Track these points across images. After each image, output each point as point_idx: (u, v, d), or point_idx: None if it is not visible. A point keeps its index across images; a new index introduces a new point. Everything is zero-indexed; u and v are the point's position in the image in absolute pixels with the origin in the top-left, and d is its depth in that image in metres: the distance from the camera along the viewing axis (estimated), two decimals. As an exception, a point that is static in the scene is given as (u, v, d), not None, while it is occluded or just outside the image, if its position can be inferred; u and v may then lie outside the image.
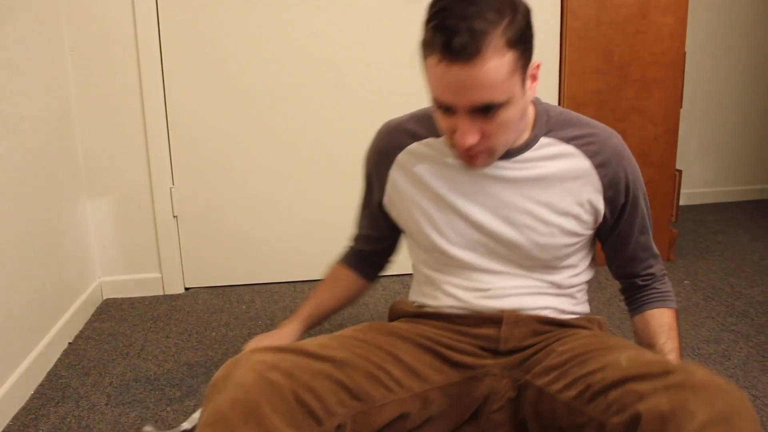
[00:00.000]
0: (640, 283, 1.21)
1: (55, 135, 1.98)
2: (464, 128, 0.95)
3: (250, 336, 1.93)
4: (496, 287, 1.11)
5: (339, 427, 0.95)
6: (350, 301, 1.37)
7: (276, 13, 2.18)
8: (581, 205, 1.08)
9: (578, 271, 1.16)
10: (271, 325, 2.01)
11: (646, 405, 0.79)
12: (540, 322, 1.11)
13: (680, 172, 2.49)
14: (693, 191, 3.45)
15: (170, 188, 2.24)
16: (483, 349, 1.10)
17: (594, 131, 1.09)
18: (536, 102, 1.11)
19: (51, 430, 1.48)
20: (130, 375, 1.72)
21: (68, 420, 1.51)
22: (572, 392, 0.94)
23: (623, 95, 2.36)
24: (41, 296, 1.81)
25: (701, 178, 3.50)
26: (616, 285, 1.29)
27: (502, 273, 1.11)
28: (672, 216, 2.51)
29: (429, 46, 0.93)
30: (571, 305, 1.16)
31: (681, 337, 1.17)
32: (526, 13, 0.94)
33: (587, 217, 1.10)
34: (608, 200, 1.09)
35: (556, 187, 1.07)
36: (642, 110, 2.38)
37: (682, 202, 3.08)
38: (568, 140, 1.08)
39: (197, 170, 2.26)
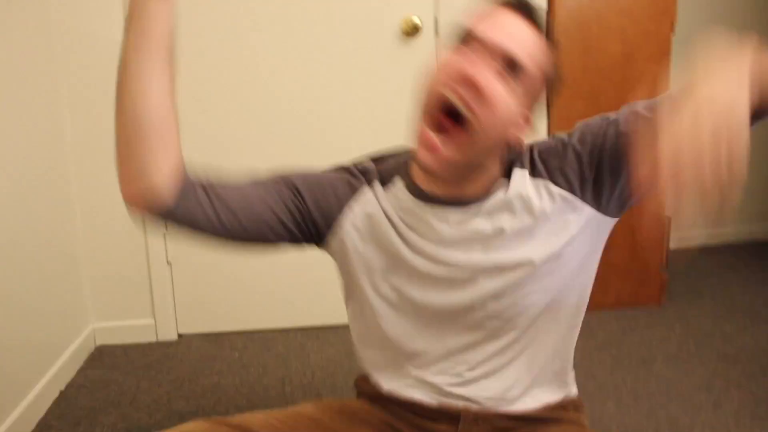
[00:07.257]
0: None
1: (48, 177, 2.00)
2: (477, 59, 0.87)
3: (242, 384, 1.93)
4: (474, 362, 0.99)
5: None
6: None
7: (281, 54, 2.23)
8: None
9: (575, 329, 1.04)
10: (263, 374, 2.01)
11: None
12: (505, 419, 1.00)
13: (670, 217, 2.52)
14: (683, 235, 3.48)
15: (164, 234, 2.26)
16: None
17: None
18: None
19: (40, 483, 1.47)
20: (121, 425, 1.71)
21: (58, 473, 1.50)
22: None
23: (612, 142, 2.40)
24: (34, 343, 1.81)
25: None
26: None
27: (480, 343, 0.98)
28: (662, 261, 2.53)
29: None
30: (555, 391, 1.04)
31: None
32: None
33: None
34: (581, 180, 1.01)
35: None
36: (630, 157, 2.41)
37: (672, 246, 3.09)
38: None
39: (192, 216, 2.27)
